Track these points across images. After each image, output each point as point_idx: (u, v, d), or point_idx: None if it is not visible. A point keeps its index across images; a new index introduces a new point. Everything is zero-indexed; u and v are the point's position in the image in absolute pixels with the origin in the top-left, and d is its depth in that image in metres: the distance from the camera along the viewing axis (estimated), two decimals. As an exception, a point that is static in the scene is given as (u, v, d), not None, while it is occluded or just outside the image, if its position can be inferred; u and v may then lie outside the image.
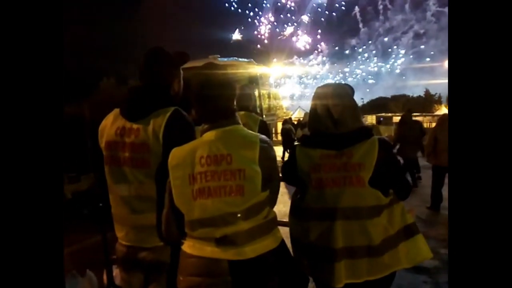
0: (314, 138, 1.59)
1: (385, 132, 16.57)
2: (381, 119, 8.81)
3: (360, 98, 58.67)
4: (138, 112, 1.58)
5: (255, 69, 7.42)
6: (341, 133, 1.51)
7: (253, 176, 1.30)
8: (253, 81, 7.24)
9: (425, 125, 31.21)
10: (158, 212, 1.47)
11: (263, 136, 1.40)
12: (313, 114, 1.61)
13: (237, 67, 7.00)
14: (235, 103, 1.45)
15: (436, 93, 48.83)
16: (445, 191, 5.72)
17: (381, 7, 64.24)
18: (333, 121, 1.52)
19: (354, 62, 69.32)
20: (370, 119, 35.92)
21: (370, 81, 68.02)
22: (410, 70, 64.39)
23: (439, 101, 46.57)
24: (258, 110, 7.21)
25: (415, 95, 51.32)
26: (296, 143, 1.67)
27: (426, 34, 63.10)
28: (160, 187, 1.46)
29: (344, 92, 1.60)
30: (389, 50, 66.85)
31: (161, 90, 1.65)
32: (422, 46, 63.21)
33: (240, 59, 8.32)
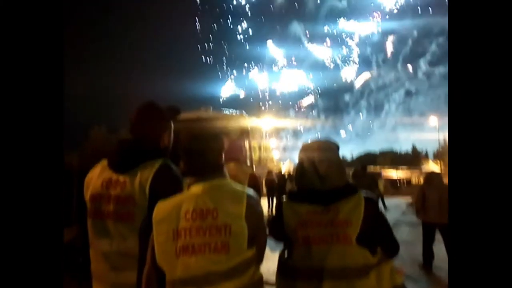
0: (300, 193, 1.59)
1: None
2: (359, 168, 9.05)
3: (350, 151, 59.72)
4: (126, 164, 1.57)
5: (246, 122, 7.55)
6: (327, 189, 1.52)
7: (239, 233, 1.27)
8: (244, 133, 7.34)
9: (413, 180, 31.37)
10: (139, 270, 1.41)
11: (251, 191, 1.39)
12: (299, 170, 1.62)
13: (228, 119, 7.13)
14: (223, 156, 1.46)
15: (422, 150, 50.07)
16: (436, 248, 5.64)
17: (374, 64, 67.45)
18: (319, 177, 1.53)
19: (346, 116, 71.36)
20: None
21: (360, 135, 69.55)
22: (400, 125, 66.25)
23: (426, 157, 47.61)
24: (249, 162, 7.23)
25: (402, 151, 52.40)
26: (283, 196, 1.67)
27: (417, 92, 65.89)
28: (143, 243, 1.40)
29: (329, 148, 1.63)
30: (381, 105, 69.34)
31: (151, 143, 1.66)
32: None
33: (232, 111, 8.53)
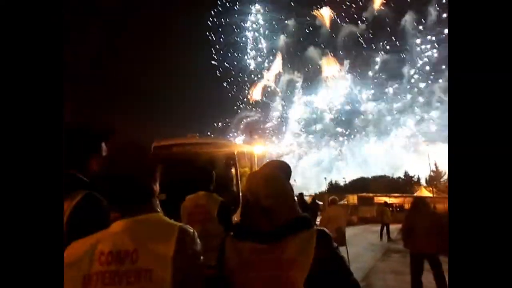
0: (244, 229, 1.39)
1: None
2: (335, 198, 8.63)
3: (342, 177, 59.63)
4: None
5: (232, 148, 7.50)
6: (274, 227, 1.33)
7: (163, 279, 1.06)
8: (231, 160, 7.28)
9: (405, 205, 31.17)
10: None
11: (187, 227, 1.17)
12: (244, 205, 1.43)
13: (214, 146, 7.08)
14: (156, 185, 1.25)
15: (414, 175, 50.22)
16: (426, 279, 5.47)
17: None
18: (265, 213, 1.34)
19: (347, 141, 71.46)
20: (352, 199, 36.14)
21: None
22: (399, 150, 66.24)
23: (418, 183, 47.76)
24: (235, 189, 7.13)
25: (395, 176, 52.55)
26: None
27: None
28: None
29: (276, 178, 1.43)
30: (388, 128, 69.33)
31: (71, 169, 1.46)
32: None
33: (219, 138, 8.42)
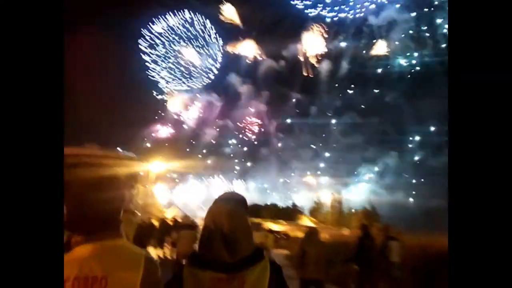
0: (204, 258, 1.41)
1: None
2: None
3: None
4: None
5: (134, 165, 7.09)
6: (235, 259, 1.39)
7: None
8: (131, 178, 6.85)
9: (290, 233, 33.10)
10: None
11: (151, 256, 1.20)
12: (206, 237, 1.44)
13: (117, 161, 6.60)
14: (121, 209, 1.23)
15: (300, 207, 54.17)
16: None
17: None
18: (228, 246, 1.39)
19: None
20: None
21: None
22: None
23: (301, 213, 51.66)
24: (133, 208, 6.70)
25: (284, 206, 55.75)
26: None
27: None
28: None
29: (239, 214, 1.49)
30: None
31: None
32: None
33: (122, 152, 7.76)
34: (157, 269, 1.18)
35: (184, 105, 68.12)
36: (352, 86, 64.58)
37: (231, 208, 1.49)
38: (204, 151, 68.46)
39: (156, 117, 66.68)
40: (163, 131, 67.37)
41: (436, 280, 8.72)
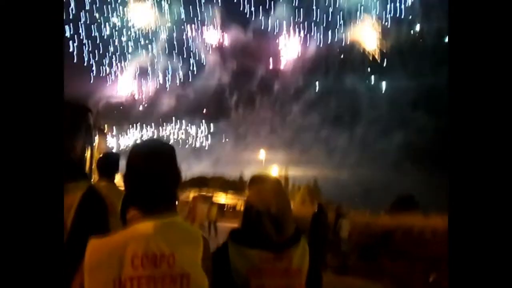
0: (250, 236, 1.41)
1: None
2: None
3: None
4: None
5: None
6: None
7: (199, 283, 1.06)
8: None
9: (237, 206, 33.51)
10: None
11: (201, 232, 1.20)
12: (253, 216, 1.42)
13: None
14: (179, 184, 1.22)
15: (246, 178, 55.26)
16: None
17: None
18: (275, 225, 1.40)
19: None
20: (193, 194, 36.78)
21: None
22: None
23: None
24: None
25: (232, 178, 56.41)
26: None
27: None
28: None
29: (284, 193, 1.52)
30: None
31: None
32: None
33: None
34: (209, 245, 1.19)
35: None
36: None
37: (278, 188, 1.52)
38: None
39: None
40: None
41: (378, 255, 9.56)
